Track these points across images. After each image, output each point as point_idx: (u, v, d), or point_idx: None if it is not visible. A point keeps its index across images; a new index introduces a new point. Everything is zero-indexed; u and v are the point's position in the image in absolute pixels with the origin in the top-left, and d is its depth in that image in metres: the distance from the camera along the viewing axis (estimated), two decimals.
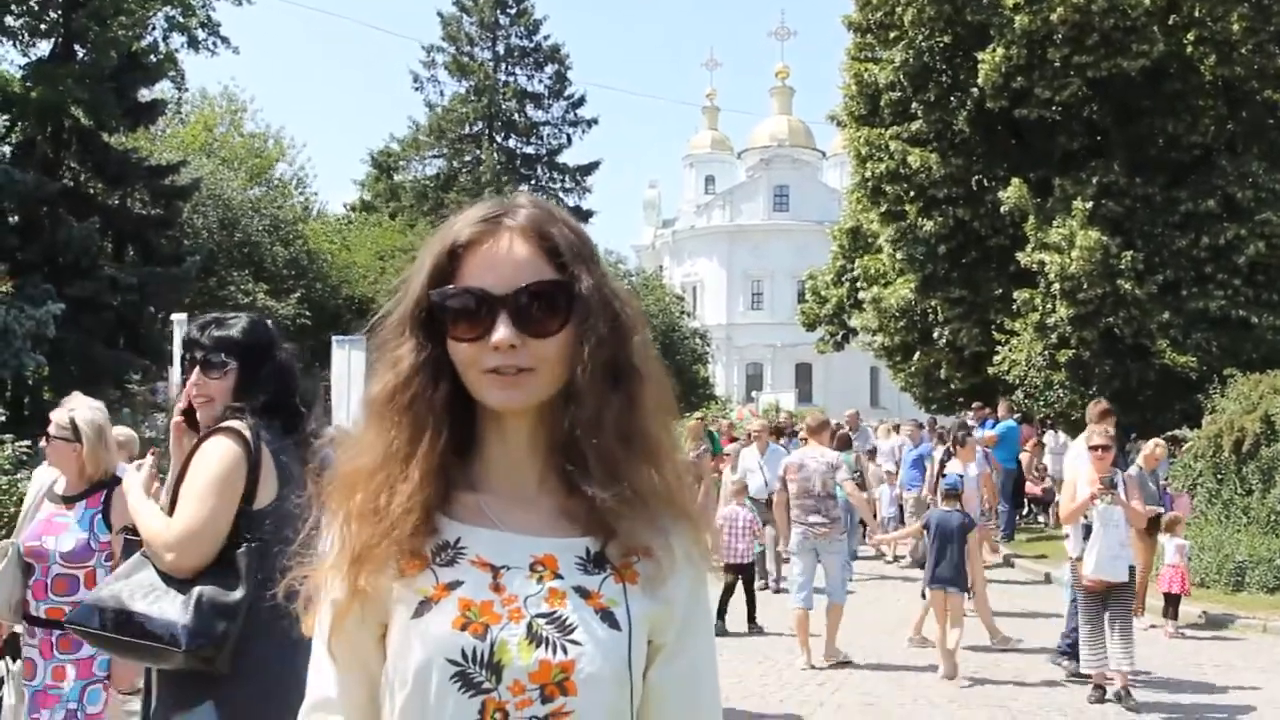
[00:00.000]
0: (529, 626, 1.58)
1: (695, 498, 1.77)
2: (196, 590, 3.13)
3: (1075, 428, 23.17)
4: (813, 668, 10.31)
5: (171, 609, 3.12)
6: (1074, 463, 10.17)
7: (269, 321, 3.65)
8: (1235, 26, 21.36)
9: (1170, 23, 21.95)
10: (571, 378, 1.64)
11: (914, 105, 24.57)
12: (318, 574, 1.68)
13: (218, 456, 3.24)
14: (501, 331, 1.59)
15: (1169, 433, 17.80)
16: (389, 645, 1.62)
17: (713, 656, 1.78)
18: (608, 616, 1.61)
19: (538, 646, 1.57)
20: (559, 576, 1.62)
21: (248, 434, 3.28)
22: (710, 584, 1.78)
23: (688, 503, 1.74)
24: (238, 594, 3.11)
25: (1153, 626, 12.41)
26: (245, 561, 3.15)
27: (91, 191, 25.30)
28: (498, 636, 1.57)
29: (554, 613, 1.59)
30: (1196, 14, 21.74)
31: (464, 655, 1.56)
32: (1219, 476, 15.86)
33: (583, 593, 1.62)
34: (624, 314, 1.70)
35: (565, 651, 1.57)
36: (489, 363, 1.60)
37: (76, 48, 24.87)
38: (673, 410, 1.82)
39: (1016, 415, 21.48)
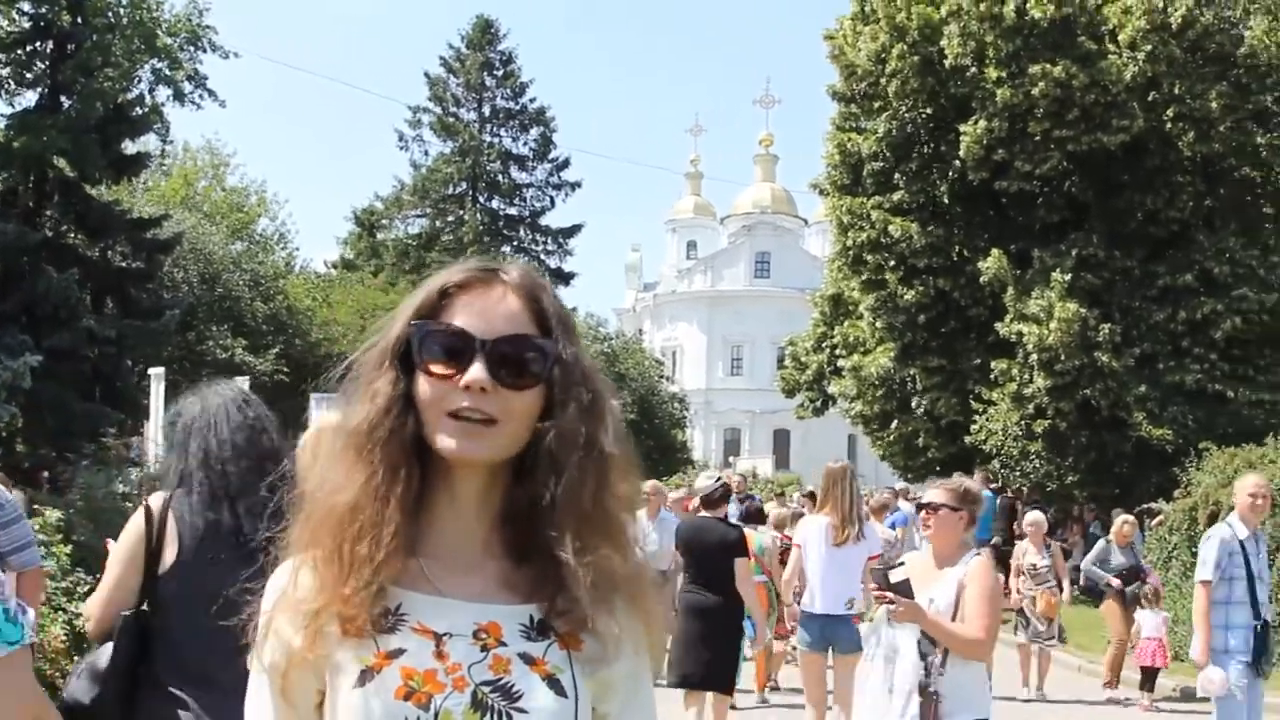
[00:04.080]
0: (474, 695, 1.54)
1: (653, 593, 1.75)
2: (83, 662, 3.54)
3: (1051, 499, 23.25)
4: None
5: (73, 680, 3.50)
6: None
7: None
8: (1214, 104, 21.61)
9: (1150, 99, 22.20)
10: (538, 444, 1.61)
11: (896, 175, 24.79)
12: (273, 611, 1.63)
13: (125, 531, 3.58)
14: (476, 372, 1.55)
15: (1144, 505, 17.83)
16: (328, 714, 1.58)
17: None
18: (554, 683, 1.57)
19: (483, 715, 1.53)
20: (503, 644, 1.58)
21: (155, 505, 3.53)
22: (650, 679, 1.74)
23: (643, 594, 1.69)
24: (104, 660, 3.38)
25: (1127, 700, 12.37)
26: (119, 627, 3.39)
27: (72, 243, 25.22)
28: (442, 706, 1.53)
29: (499, 680, 1.55)
30: (1176, 91, 21.99)
31: None
32: (1194, 550, 15.79)
33: (528, 659, 1.58)
34: (601, 394, 1.67)
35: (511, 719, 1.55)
36: (455, 403, 1.56)
37: (63, 99, 24.90)
38: (638, 502, 1.79)
39: (994, 485, 21.48)
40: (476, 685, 1.54)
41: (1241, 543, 7.82)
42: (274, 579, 1.68)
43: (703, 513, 9.37)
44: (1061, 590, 12.93)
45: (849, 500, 8.49)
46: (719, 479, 9.70)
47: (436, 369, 1.59)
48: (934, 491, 5.65)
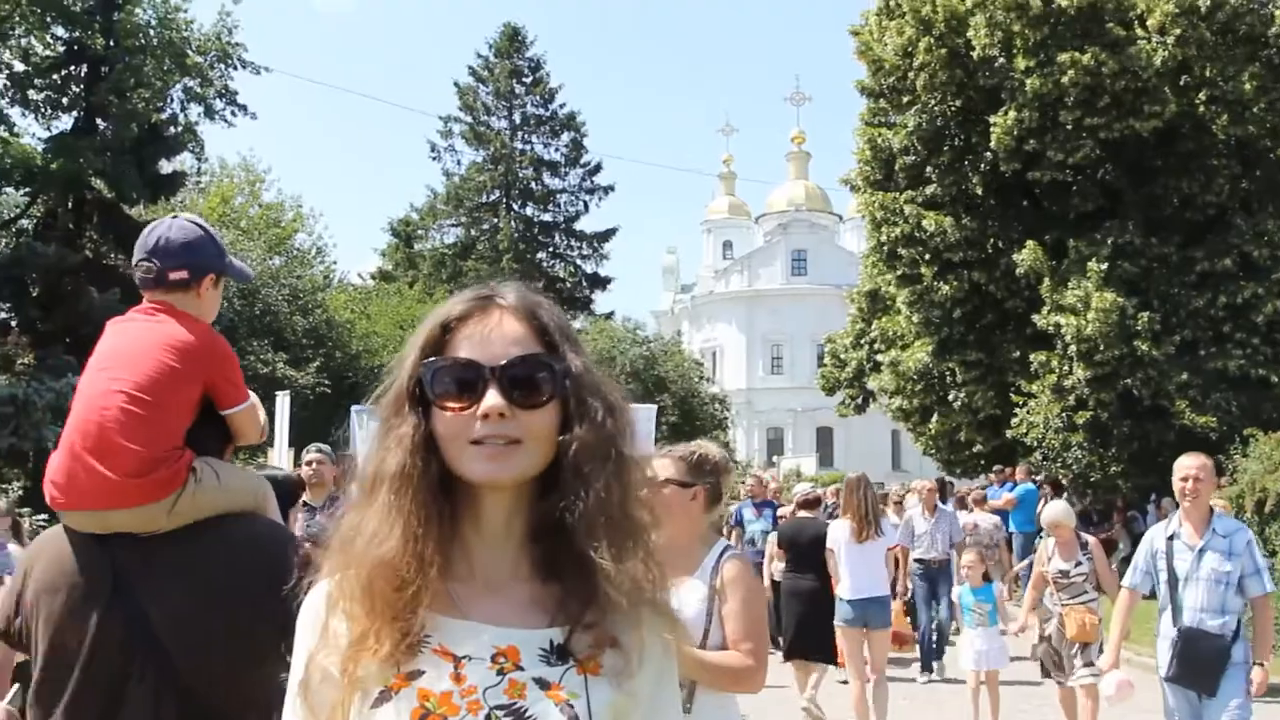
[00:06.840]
0: (487, 718, 1.56)
1: (666, 586, 1.77)
2: None
3: (1095, 490, 23.08)
4: None
5: None
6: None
7: None
8: (1247, 86, 21.45)
9: (1181, 83, 22.04)
10: (561, 458, 1.64)
11: (928, 169, 24.69)
12: (316, 651, 1.63)
13: None
14: (491, 399, 1.59)
15: None
16: None
17: None
18: (567, 710, 1.58)
19: None
20: (520, 668, 1.60)
21: None
22: (676, 683, 1.77)
23: (667, 599, 1.73)
24: None
25: None
26: None
27: (113, 262, 25.48)
28: None
29: (513, 704, 1.57)
30: (1207, 74, 21.84)
31: None
32: None
33: (543, 684, 1.59)
34: (613, 397, 1.71)
35: None
36: (476, 433, 1.60)
37: (98, 120, 25.20)
38: (655, 506, 1.81)
39: (1037, 478, 21.36)
40: (491, 709, 1.56)
41: (1170, 539, 6.77)
42: (308, 608, 1.70)
43: (800, 513, 11.86)
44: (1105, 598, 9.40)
45: (865, 505, 10.22)
46: (813, 487, 13.26)
47: (452, 404, 1.62)
48: (659, 463, 4.11)
